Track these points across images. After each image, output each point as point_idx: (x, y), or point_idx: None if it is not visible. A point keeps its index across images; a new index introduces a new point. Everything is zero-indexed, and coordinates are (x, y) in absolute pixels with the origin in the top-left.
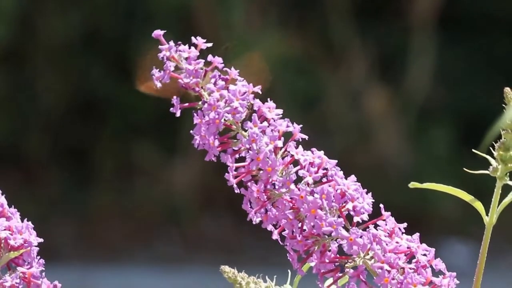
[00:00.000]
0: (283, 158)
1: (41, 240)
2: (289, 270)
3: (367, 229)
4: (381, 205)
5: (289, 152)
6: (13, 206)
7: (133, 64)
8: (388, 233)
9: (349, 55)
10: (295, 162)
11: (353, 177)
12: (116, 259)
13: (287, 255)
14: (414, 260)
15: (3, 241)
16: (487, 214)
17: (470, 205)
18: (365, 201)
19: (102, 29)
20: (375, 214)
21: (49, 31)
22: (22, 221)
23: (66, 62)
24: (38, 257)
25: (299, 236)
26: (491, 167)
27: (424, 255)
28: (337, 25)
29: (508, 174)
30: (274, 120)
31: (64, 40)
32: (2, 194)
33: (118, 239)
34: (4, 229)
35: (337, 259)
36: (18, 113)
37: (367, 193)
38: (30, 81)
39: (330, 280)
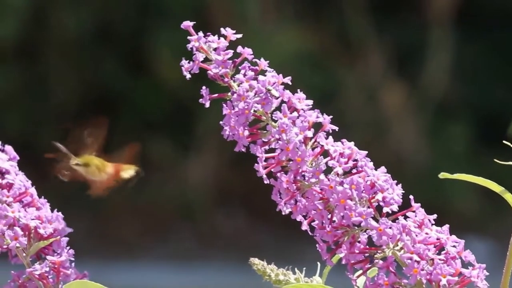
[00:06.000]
0: (313, 149)
1: (71, 230)
2: (318, 263)
3: (397, 220)
4: (411, 196)
5: (319, 142)
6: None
7: (147, 59)
8: (417, 224)
9: (366, 51)
10: (325, 153)
11: (383, 168)
12: (130, 255)
13: (317, 245)
14: (443, 252)
15: (33, 230)
16: None
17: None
18: (395, 192)
19: (115, 24)
20: (404, 206)
21: (62, 26)
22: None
23: (79, 57)
24: (68, 247)
25: (328, 226)
26: None
27: (454, 246)
28: (354, 20)
29: None
30: (304, 111)
31: (77, 35)
32: (32, 185)
33: (132, 236)
34: (34, 219)
35: (367, 250)
36: (31, 109)
37: (397, 184)
38: (43, 77)
39: (360, 271)
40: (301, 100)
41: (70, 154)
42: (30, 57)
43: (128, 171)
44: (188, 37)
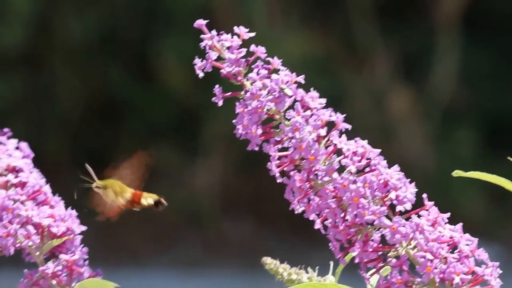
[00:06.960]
0: (326, 148)
1: (84, 228)
2: (331, 262)
3: (410, 219)
4: (424, 195)
5: (332, 141)
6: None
7: (153, 65)
8: (431, 222)
9: (373, 55)
10: (338, 152)
11: (396, 167)
12: (137, 262)
13: (330, 244)
14: (456, 250)
15: (46, 229)
16: None
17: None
18: (408, 191)
19: (121, 30)
20: (415, 207)
21: (67, 32)
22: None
23: (84, 63)
24: (81, 245)
25: (341, 225)
26: None
27: (467, 245)
28: (361, 24)
29: None
30: (317, 110)
31: (82, 42)
32: (46, 183)
33: (139, 242)
34: (47, 217)
35: (380, 249)
36: (37, 115)
37: (410, 182)
38: (49, 84)
39: (373, 270)
40: (314, 99)
41: (95, 177)
42: (36, 64)
43: (148, 200)
44: (201, 36)
